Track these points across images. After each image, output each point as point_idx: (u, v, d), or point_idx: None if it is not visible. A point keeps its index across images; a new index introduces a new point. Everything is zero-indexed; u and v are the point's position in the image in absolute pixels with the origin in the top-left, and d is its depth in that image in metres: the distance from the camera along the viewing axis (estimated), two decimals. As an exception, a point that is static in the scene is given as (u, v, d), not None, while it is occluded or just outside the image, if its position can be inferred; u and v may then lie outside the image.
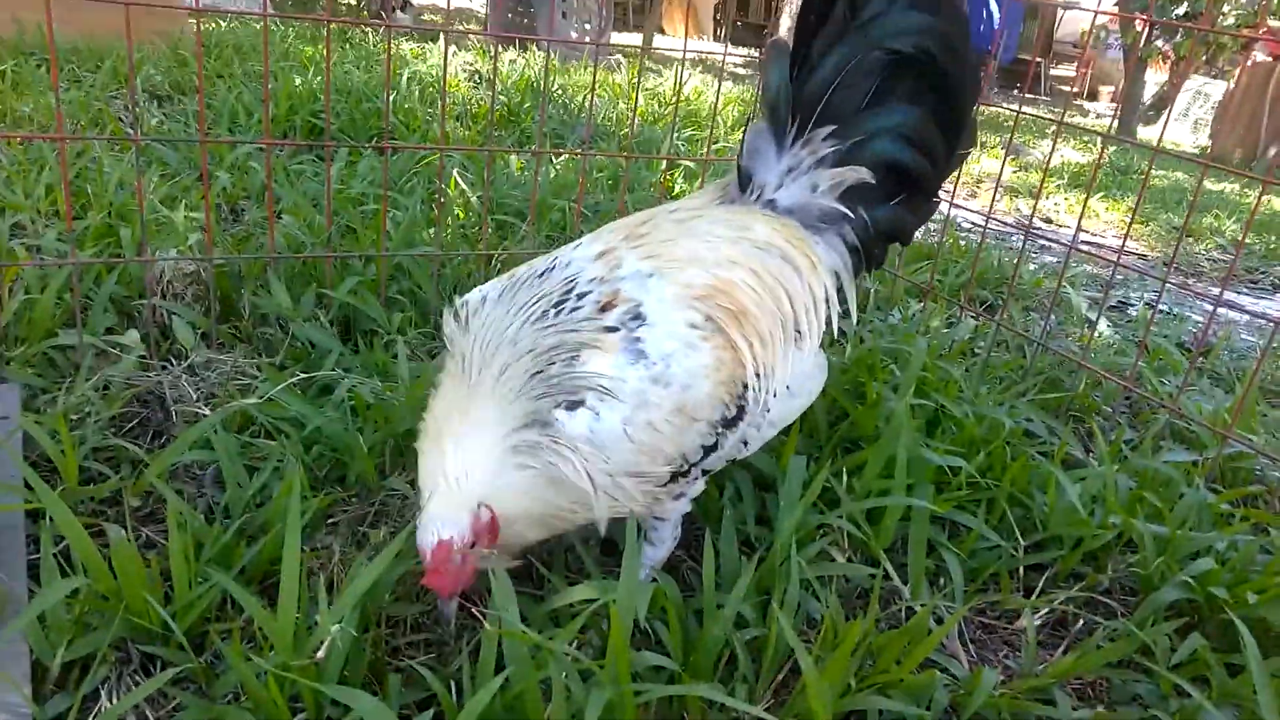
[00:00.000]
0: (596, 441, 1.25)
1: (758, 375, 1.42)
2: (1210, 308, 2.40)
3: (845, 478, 1.77)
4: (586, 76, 6.51)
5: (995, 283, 3.55)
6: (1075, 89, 17.41)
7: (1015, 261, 3.11)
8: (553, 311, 1.33)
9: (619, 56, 8.82)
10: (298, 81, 4.21)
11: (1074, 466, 2.11)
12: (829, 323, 1.59)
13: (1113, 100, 17.89)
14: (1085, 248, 2.81)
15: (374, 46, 6.06)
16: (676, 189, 3.97)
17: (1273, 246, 5.63)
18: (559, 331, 1.30)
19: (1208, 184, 8.10)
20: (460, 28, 10.28)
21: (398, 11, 10.67)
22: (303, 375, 1.97)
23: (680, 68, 4.07)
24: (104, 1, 1.89)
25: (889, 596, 1.69)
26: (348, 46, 5.95)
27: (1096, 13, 3.13)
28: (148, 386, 2.00)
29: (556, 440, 1.25)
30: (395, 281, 2.51)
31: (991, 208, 2.82)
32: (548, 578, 1.55)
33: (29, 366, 1.97)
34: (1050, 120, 3.82)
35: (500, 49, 7.68)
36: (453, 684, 1.28)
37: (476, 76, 5.90)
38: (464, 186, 3.33)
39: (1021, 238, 3.11)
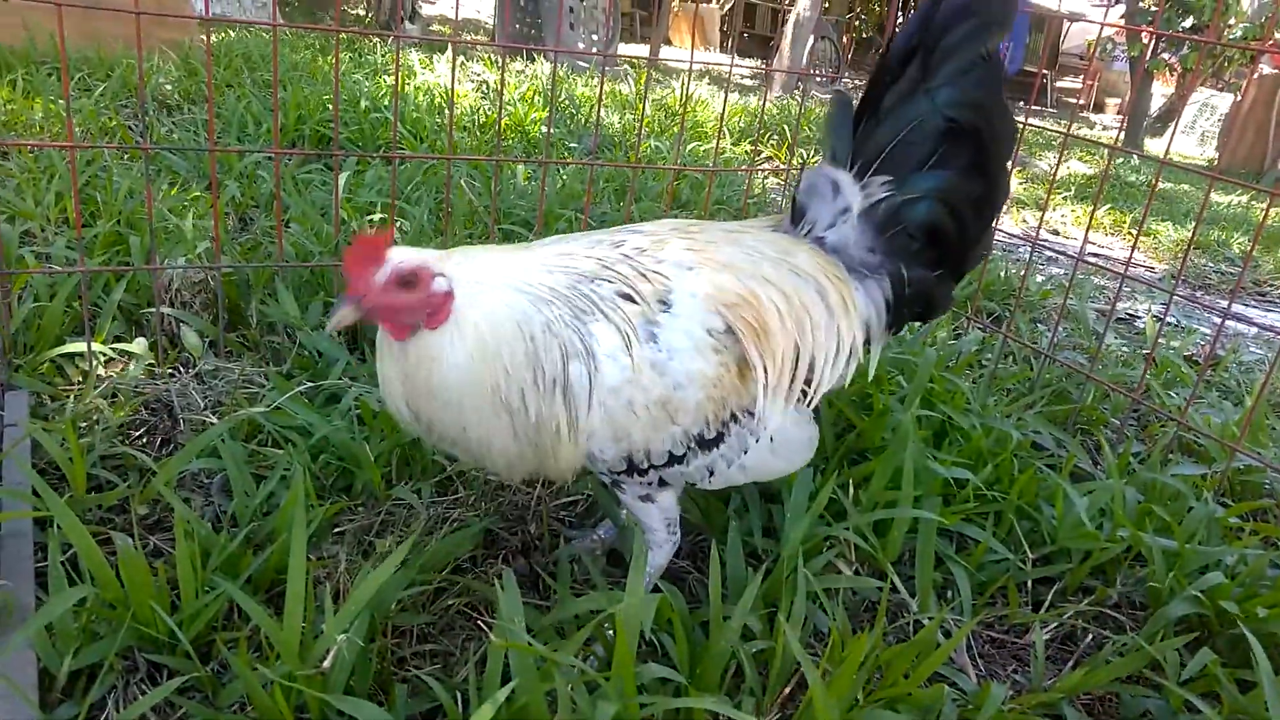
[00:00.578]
0: (577, 387, 1.28)
1: (749, 413, 1.41)
2: (1219, 320, 2.39)
3: (852, 489, 1.77)
4: (594, 87, 6.53)
5: (1002, 294, 3.54)
6: (1081, 101, 17.42)
7: (1022, 273, 3.10)
8: (610, 256, 1.40)
9: (626, 67, 8.86)
10: (306, 91, 4.24)
11: (1082, 479, 2.10)
12: (841, 380, 1.55)
13: (1119, 112, 17.92)
14: (1092, 259, 2.81)
15: (382, 57, 6.10)
16: (683, 199, 3.98)
17: (1280, 259, 5.61)
18: (610, 265, 1.37)
19: (1216, 196, 8.09)
20: (468, 38, 10.33)
21: (406, 22, 10.73)
22: (310, 384, 1.98)
23: (687, 79, 4.08)
24: (115, 11, 1.90)
25: (896, 609, 1.68)
26: (358, 54, 5.98)
27: (1103, 25, 3.14)
28: (156, 394, 2.00)
29: (560, 351, 1.27)
30: (403, 290, 2.51)
31: (998, 220, 2.81)
32: (553, 589, 1.54)
33: (38, 374, 1.98)
34: (1057, 133, 3.82)
35: (508, 59, 7.72)
36: (459, 695, 1.28)
37: (484, 87, 5.93)
38: (471, 196, 3.34)
39: (1028, 249, 3.10)
